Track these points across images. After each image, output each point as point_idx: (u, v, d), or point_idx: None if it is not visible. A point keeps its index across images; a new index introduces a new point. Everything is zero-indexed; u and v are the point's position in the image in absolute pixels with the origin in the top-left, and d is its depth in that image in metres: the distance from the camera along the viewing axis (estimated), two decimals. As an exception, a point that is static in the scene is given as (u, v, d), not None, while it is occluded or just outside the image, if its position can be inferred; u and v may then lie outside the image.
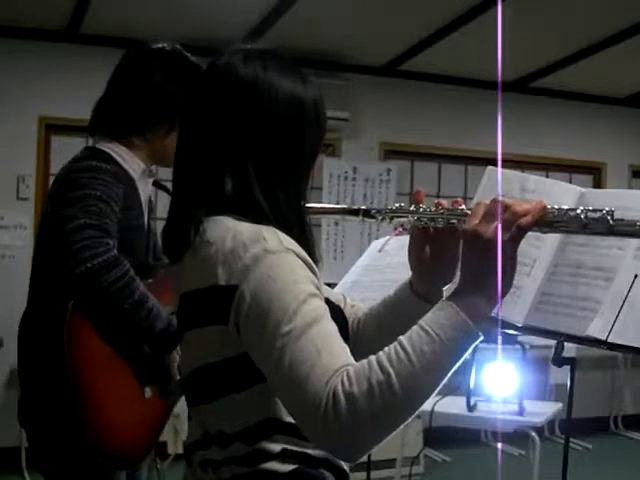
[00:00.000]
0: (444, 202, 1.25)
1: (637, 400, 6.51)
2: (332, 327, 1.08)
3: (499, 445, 5.43)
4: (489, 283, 1.07)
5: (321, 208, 1.43)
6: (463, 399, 3.40)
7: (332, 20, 4.88)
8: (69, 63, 5.06)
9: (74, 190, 1.83)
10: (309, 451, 1.16)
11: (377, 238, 3.43)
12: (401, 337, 1.04)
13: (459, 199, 1.25)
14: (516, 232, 1.07)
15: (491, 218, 1.08)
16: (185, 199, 1.22)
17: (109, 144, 1.95)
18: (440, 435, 4.48)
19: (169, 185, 1.35)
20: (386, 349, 1.03)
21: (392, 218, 1.29)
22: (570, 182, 2.26)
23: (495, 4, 4.25)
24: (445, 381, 1.05)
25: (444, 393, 3.24)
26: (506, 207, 1.08)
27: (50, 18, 4.84)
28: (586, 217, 1.07)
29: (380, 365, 1.01)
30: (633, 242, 1.49)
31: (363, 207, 1.32)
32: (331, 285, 2.40)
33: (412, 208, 1.27)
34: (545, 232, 1.13)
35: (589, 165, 6.59)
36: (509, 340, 3.60)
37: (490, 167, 1.69)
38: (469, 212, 1.14)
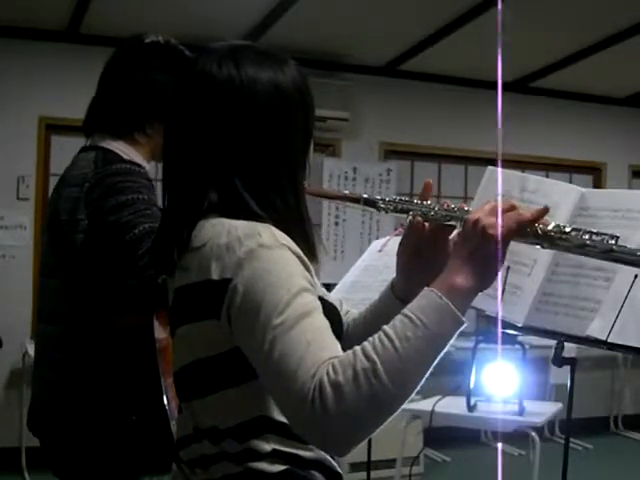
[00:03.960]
0: (450, 202, 1.25)
1: (637, 400, 6.51)
2: (323, 321, 1.08)
3: (499, 445, 5.43)
4: (475, 271, 1.09)
5: (324, 192, 1.44)
6: (463, 399, 3.39)
7: (332, 20, 4.87)
8: (69, 63, 5.05)
9: (118, 195, 1.73)
10: (300, 452, 1.16)
11: (377, 238, 3.43)
12: (385, 326, 1.05)
13: (464, 204, 1.27)
14: (514, 226, 1.11)
15: (495, 212, 1.12)
16: (177, 213, 1.21)
17: (114, 143, 1.86)
18: (440, 435, 4.49)
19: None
20: (370, 338, 1.04)
21: (394, 210, 1.28)
22: (570, 182, 2.26)
23: (495, 4, 4.25)
24: (430, 371, 1.05)
25: (444, 393, 3.24)
26: (513, 207, 1.13)
27: (50, 18, 4.84)
28: (590, 239, 1.12)
29: (365, 353, 1.01)
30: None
31: (365, 195, 1.31)
32: (331, 285, 2.41)
33: (416, 202, 1.27)
34: (545, 247, 1.16)
35: (589, 165, 6.59)
36: (509, 340, 3.59)
37: (490, 167, 1.70)
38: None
